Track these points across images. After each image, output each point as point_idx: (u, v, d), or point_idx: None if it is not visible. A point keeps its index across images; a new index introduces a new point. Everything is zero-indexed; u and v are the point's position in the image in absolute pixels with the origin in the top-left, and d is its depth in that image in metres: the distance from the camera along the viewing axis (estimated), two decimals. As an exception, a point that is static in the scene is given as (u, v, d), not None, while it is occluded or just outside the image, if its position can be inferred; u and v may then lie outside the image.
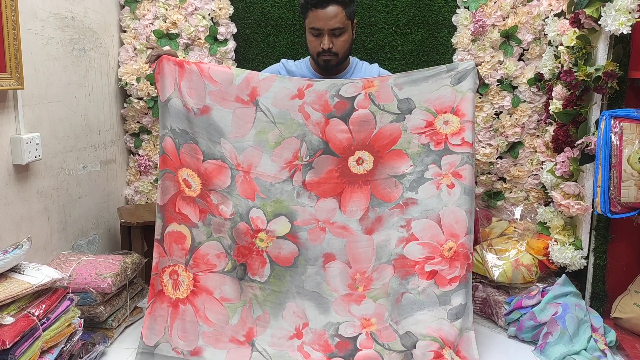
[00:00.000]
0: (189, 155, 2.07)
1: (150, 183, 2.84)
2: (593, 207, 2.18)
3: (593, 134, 2.15)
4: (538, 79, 2.50)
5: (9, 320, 1.48)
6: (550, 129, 2.36)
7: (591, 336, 2.04)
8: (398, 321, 1.97)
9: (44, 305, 1.61)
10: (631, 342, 2.09)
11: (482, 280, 2.37)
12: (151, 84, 2.69)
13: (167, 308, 2.04)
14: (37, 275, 1.65)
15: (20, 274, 1.66)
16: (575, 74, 2.15)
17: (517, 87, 2.57)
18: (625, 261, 2.27)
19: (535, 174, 2.59)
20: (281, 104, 2.07)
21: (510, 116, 2.58)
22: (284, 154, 2.08)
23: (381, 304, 2.02)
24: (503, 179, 2.68)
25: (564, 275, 2.21)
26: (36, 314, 1.57)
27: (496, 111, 2.61)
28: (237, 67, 2.70)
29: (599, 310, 2.25)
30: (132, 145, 2.85)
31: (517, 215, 2.58)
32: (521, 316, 2.16)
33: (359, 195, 2.09)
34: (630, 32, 2.00)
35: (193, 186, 2.08)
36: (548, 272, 2.34)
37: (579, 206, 2.20)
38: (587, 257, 2.27)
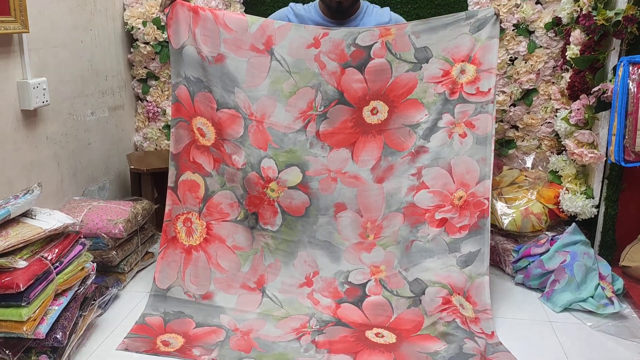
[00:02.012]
0: (204, 104, 2.05)
1: (159, 129, 2.82)
2: (606, 156, 2.15)
3: (610, 81, 2.10)
4: (556, 23, 2.42)
5: (22, 264, 1.50)
6: (567, 76, 2.30)
7: (599, 284, 2.05)
8: (407, 268, 1.98)
9: (56, 250, 1.63)
10: (638, 290, 2.10)
11: (491, 229, 2.36)
12: (158, 28, 2.63)
13: (180, 254, 2.07)
14: (49, 220, 1.67)
15: (32, 218, 1.67)
16: (594, 18, 2.08)
17: (533, 32, 2.49)
18: (636, 210, 2.26)
19: (549, 122, 2.54)
20: (297, 53, 2.03)
21: (526, 62, 2.52)
22: (298, 104, 2.05)
23: (391, 251, 2.03)
24: (516, 127, 2.64)
25: (574, 223, 2.20)
26: (49, 258, 1.59)
27: (511, 57, 2.54)
28: (245, 11, 2.64)
29: (607, 258, 2.25)
30: (140, 91, 2.82)
31: (529, 164, 2.56)
32: (529, 264, 2.17)
33: (372, 145, 2.08)
34: (654, -27, 1.92)
35: (207, 135, 2.06)
36: (558, 220, 2.33)
37: (592, 155, 2.17)
38: (598, 206, 2.26)
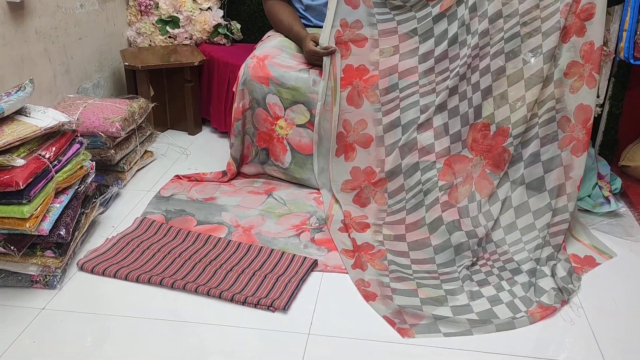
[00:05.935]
0: None
1: (153, 24, 2.71)
2: (616, 53, 2.08)
3: (626, -28, 1.99)
4: None
5: (20, 162, 1.48)
6: (580, -33, 2.18)
7: (597, 183, 2.06)
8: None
9: (53, 148, 1.61)
10: (636, 190, 2.12)
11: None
12: None
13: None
14: (44, 118, 1.63)
15: (27, 116, 1.63)
16: None
17: None
18: (640, 110, 2.23)
19: (558, 17, 2.44)
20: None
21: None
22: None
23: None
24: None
25: (576, 123, 2.17)
26: (47, 156, 1.57)
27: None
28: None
29: (607, 158, 2.25)
30: (131, -18, 2.68)
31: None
32: (529, 163, 2.17)
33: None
34: None
35: None
36: (560, 120, 2.30)
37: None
38: (602, 105, 2.22)
